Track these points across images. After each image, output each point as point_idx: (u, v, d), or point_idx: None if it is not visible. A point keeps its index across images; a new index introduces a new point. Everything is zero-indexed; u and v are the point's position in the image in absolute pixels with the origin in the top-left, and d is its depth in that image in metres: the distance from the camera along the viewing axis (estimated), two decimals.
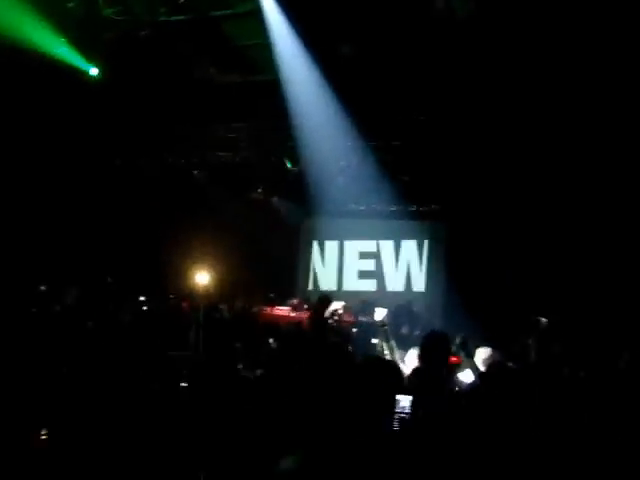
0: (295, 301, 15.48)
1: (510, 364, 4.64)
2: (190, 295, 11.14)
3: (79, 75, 10.92)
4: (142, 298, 10.02)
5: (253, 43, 11.22)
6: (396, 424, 3.39)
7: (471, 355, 4.94)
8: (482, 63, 10.01)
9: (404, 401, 3.65)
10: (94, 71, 11.00)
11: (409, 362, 5.36)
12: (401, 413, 3.57)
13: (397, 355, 5.20)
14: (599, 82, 9.66)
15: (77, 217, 13.01)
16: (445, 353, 3.89)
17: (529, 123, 11.02)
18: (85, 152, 12.79)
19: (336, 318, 5.26)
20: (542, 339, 4.90)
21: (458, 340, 4.93)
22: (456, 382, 4.79)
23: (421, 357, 3.72)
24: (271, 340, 5.30)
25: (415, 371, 4.07)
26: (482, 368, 4.70)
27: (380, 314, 5.16)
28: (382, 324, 5.09)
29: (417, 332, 13.48)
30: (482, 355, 5.10)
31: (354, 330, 9.40)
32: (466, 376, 5.04)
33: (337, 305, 5.24)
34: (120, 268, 12.71)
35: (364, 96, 11.17)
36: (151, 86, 11.81)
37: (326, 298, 6.56)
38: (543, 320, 5.23)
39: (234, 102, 12.37)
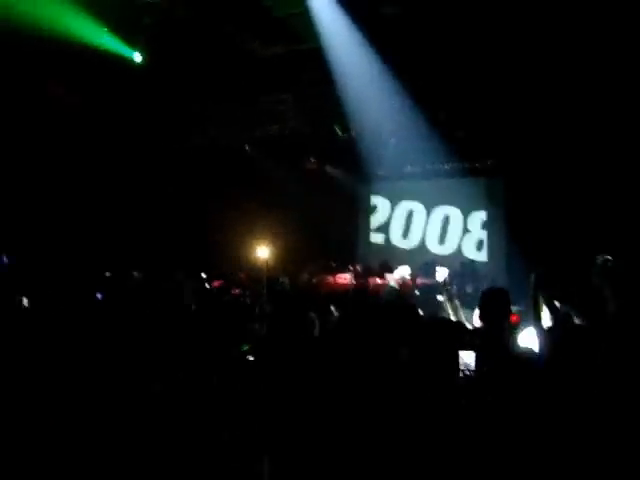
0: (357, 268, 15.53)
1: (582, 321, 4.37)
2: (251, 270, 11.24)
3: (124, 62, 11.00)
4: (204, 275, 10.11)
5: (293, 12, 11.06)
6: (461, 380, 3.35)
7: (551, 295, 4.61)
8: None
9: (468, 358, 3.60)
10: (138, 57, 11.08)
11: (475, 321, 5.29)
12: (465, 370, 3.52)
13: (462, 314, 5.12)
14: None
15: (134, 200, 13.26)
16: (504, 309, 3.75)
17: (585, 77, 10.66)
18: (138, 136, 12.97)
19: (401, 283, 5.19)
20: (618, 283, 4.35)
21: (533, 278, 4.57)
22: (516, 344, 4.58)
23: (480, 315, 3.61)
24: (333, 308, 5.27)
25: (475, 330, 3.99)
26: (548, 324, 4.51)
27: (442, 274, 5.09)
28: (444, 284, 5.00)
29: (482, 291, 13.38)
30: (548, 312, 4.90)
31: (417, 292, 9.32)
32: (529, 335, 4.89)
33: (402, 271, 5.16)
34: (178, 249, 12.91)
35: (409, 55, 10.95)
36: (195, 66, 11.84)
37: (387, 265, 6.53)
38: (611, 259, 4.46)
39: (279, 74, 12.33)
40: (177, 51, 11.48)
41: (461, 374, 3.58)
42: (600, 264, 4.43)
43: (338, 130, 13.32)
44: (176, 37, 11.18)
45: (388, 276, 5.22)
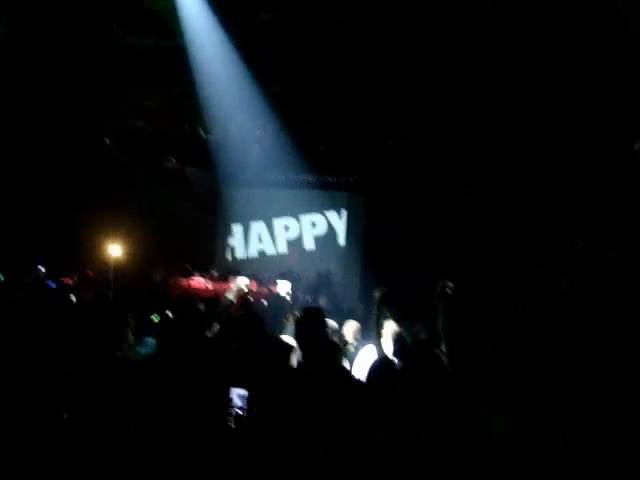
0: (213, 273, 15.33)
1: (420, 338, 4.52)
2: (98, 267, 10.77)
3: None
4: (42, 269, 9.52)
5: (164, 6, 10.75)
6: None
7: (393, 314, 4.75)
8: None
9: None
10: None
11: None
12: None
13: None
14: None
15: None
16: (319, 329, 3.66)
17: (445, 87, 11.04)
18: None
19: (241, 294, 5.07)
20: (451, 306, 4.68)
21: (377, 294, 4.80)
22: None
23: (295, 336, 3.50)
24: (168, 312, 5.08)
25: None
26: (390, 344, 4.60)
27: (283, 287, 5.04)
28: (285, 297, 4.97)
29: (335, 304, 13.62)
30: (390, 329, 5.01)
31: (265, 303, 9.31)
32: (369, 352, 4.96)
33: (240, 281, 5.05)
34: (29, 240, 12.16)
35: (279, 64, 10.94)
36: (57, 47, 11.21)
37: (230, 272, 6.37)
38: (450, 284, 4.89)
39: (146, 67, 11.93)
40: (40, 28, 10.81)
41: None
42: (439, 287, 4.74)
43: (201, 131, 13.07)
44: (41, 13, 10.54)
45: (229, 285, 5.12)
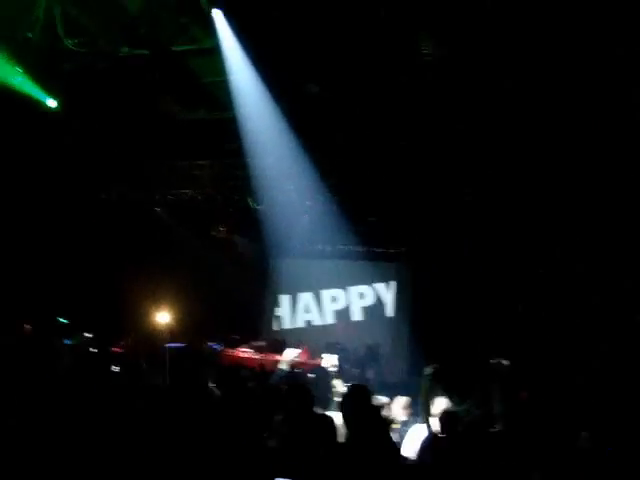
0: (261, 343, 15.21)
1: (470, 415, 4.35)
2: (149, 335, 10.78)
3: (37, 106, 10.59)
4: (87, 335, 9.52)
5: (218, 80, 11.02)
6: None
7: (445, 392, 4.61)
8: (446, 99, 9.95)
9: None
10: (52, 103, 10.68)
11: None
12: None
13: None
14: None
15: (34, 252, 12.58)
16: (365, 407, 3.44)
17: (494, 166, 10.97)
18: (45, 185, 12.41)
19: (291, 365, 4.93)
20: (505, 384, 4.50)
21: (429, 370, 4.61)
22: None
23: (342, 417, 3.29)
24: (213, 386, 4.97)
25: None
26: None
27: (329, 360, 4.88)
28: (334, 372, 4.80)
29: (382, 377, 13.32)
30: (440, 406, 4.81)
31: (311, 375, 9.13)
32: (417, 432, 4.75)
33: (290, 353, 4.93)
34: (77, 307, 12.25)
35: (328, 135, 11.05)
36: (113, 120, 11.58)
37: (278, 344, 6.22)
38: (505, 362, 4.76)
39: (198, 139, 12.19)
40: (95, 102, 11.19)
41: None
42: (492, 366, 4.59)
43: (251, 202, 13.17)
44: (96, 88, 10.91)
45: (280, 357, 4.99)
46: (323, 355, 4.96)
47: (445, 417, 4.22)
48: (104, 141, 11.97)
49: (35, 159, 11.57)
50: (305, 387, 3.87)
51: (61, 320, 8.58)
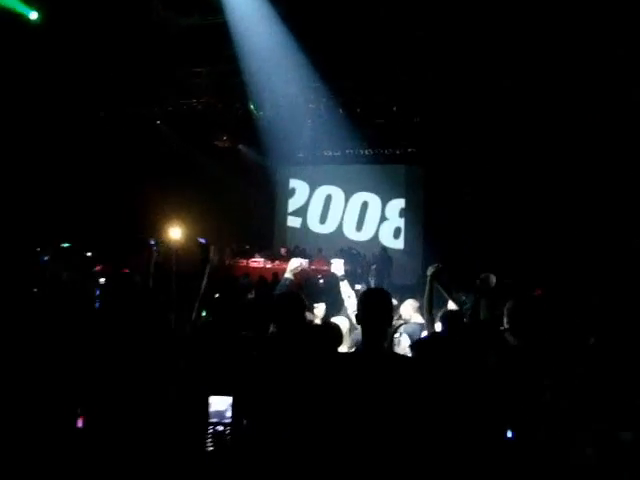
0: (272, 252, 15.23)
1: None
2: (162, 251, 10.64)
3: (18, 19, 10.03)
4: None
5: None
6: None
7: (447, 288, 4.52)
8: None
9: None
10: (34, 15, 10.12)
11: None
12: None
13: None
14: None
15: (35, 174, 12.37)
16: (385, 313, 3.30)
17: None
18: (38, 107, 12.03)
19: (296, 273, 4.79)
20: (493, 298, 4.44)
21: (430, 270, 4.53)
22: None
23: (358, 317, 3.16)
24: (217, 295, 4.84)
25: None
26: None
27: (337, 267, 4.71)
28: (340, 277, 4.65)
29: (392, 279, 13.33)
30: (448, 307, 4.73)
31: (322, 281, 9.06)
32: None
33: (295, 262, 4.77)
34: (81, 227, 12.12)
35: (328, 32, 10.51)
36: (101, 32, 11.03)
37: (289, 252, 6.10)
38: (492, 277, 4.76)
39: (193, 46, 11.68)
40: (81, 12, 10.63)
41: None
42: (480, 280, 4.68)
43: (253, 108, 12.75)
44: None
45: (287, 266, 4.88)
46: (332, 260, 4.79)
47: (446, 316, 4.10)
48: (94, 55, 11.47)
49: (27, 79, 11.15)
50: (294, 294, 3.70)
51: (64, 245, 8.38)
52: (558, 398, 2.97)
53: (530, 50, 9.35)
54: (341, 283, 4.70)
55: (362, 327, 2.87)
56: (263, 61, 11.21)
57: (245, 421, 3.09)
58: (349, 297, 4.67)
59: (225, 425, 3.11)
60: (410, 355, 3.84)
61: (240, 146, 15.08)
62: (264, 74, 11.54)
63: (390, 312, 2.95)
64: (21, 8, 9.59)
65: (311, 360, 2.87)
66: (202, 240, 4.05)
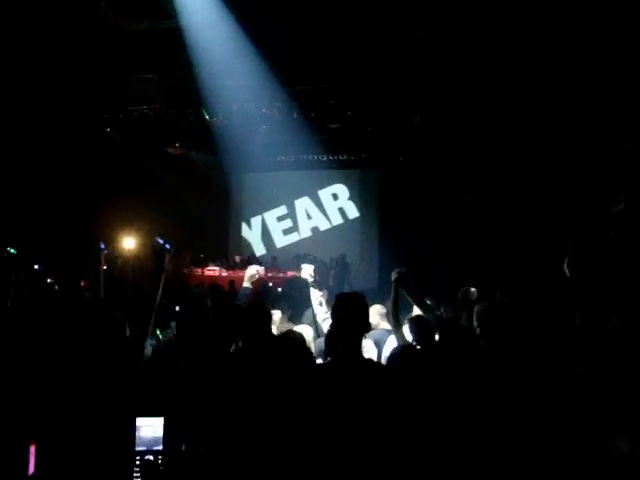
0: (228, 260, 15.08)
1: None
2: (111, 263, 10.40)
3: None
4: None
5: None
6: None
7: (412, 293, 4.37)
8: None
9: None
10: None
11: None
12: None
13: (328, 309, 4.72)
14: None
15: None
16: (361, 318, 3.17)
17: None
18: None
19: (253, 280, 4.67)
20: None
21: (394, 275, 4.35)
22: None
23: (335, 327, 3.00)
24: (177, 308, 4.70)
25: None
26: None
27: (306, 271, 4.61)
28: (309, 281, 4.54)
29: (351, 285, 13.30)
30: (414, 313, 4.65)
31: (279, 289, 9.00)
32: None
33: (253, 270, 4.66)
34: (30, 237, 11.75)
35: (283, 36, 10.40)
36: (46, 35, 10.69)
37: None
38: (473, 290, 4.98)
39: (144, 52, 11.43)
40: (23, 15, 10.27)
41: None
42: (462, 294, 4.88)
43: (206, 114, 12.54)
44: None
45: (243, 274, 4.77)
46: (302, 265, 4.68)
47: (413, 323, 4.03)
48: (39, 60, 11.11)
49: None
50: (260, 306, 3.58)
51: (10, 251, 8.11)
52: (557, 399, 2.89)
53: (530, 50, 9.35)
54: (311, 289, 4.61)
55: (339, 334, 2.77)
56: (216, 66, 11.04)
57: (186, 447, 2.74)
58: (320, 304, 4.57)
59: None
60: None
61: (193, 153, 14.85)
62: (217, 80, 11.36)
63: (367, 317, 2.86)
64: None
65: (290, 375, 2.73)
66: (160, 240, 3.89)
